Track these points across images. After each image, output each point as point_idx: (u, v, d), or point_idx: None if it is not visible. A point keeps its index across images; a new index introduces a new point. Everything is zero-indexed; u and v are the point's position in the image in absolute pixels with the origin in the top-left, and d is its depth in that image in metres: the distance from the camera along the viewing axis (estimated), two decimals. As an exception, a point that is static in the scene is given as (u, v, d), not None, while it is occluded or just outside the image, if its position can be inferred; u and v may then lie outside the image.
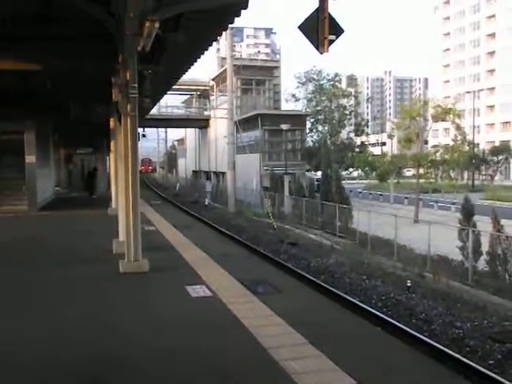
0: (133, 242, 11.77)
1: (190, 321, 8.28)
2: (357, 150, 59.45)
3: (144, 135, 58.97)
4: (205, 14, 12.31)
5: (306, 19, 9.16)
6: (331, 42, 9.01)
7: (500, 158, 79.81)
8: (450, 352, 10.19)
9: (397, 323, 12.08)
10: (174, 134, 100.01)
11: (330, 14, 9.00)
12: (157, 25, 8.92)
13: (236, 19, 13.73)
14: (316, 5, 9.02)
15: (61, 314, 8.84)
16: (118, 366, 6.50)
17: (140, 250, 11.91)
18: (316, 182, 40.47)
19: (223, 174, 51.26)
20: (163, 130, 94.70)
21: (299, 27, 9.23)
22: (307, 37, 9.12)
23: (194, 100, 69.52)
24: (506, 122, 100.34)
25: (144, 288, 10.56)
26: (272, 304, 9.01)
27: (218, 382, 6.04)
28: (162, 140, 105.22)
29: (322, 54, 9.13)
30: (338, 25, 9.17)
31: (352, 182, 69.63)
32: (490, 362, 10.07)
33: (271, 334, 7.44)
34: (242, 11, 12.84)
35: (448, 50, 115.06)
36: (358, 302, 13.91)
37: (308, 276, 16.99)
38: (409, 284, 16.15)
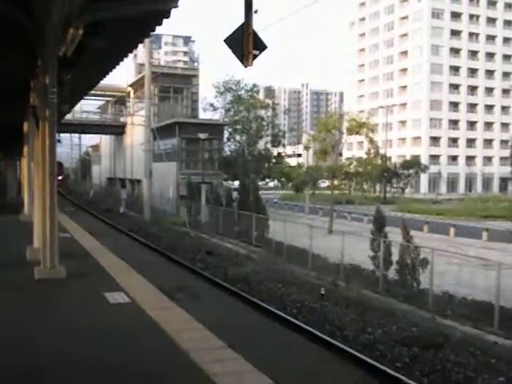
0: (49, 248, 11.59)
1: (108, 326, 8.29)
2: (274, 160, 60.17)
3: (59, 140, 57.39)
4: (127, 21, 12.29)
5: (232, 34, 9.48)
6: (255, 56, 9.35)
7: (410, 171, 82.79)
8: (361, 356, 10.59)
9: (311, 329, 12.39)
10: (89, 139, 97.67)
11: (254, 31, 9.36)
12: (81, 31, 8.91)
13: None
14: (242, 20, 9.35)
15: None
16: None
17: (57, 256, 11.73)
18: (234, 192, 40.72)
19: (139, 181, 50.60)
20: (77, 135, 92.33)
21: (225, 41, 9.54)
22: (232, 50, 9.44)
23: (110, 106, 68.29)
24: (417, 137, 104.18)
25: (61, 294, 10.43)
26: (190, 310, 9.14)
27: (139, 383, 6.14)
28: (75, 146, 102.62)
29: (246, 67, 9.49)
30: (262, 41, 9.54)
31: (268, 192, 70.33)
32: (398, 364, 10.53)
33: (191, 338, 7.57)
34: (164, 19, 12.93)
35: (363, 65, 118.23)
36: (273, 309, 14.13)
37: (224, 284, 17.13)
38: (322, 292, 16.55)
